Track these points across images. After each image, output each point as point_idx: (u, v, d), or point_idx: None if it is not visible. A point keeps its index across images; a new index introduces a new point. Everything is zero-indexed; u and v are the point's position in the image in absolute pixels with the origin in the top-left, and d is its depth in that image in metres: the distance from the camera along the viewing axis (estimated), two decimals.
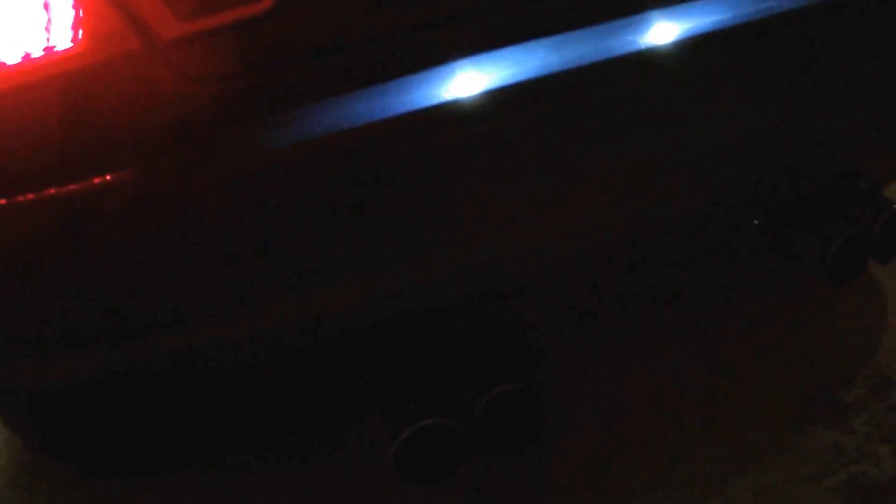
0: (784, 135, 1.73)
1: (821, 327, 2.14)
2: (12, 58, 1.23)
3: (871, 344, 2.11)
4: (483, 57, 1.44)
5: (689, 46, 1.55)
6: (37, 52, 1.23)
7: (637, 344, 2.09)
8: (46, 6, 1.23)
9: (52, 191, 1.25)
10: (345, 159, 1.37)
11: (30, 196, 1.25)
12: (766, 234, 1.96)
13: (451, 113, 1.40)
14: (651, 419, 1.94)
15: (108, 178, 1.27)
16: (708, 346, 2.09)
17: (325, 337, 1.55)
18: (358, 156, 1.38)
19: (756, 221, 1.93)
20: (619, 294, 2.05)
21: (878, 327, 2.15)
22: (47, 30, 1.24)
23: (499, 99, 1.42)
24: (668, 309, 2.17)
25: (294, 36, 1.36)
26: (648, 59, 1.52)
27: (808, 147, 1.80)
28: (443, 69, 1.41)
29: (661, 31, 1.54)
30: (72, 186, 1.26)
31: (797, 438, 1.90)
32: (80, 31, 1.24)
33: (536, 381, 1.66)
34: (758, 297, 2.20)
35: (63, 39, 1.24)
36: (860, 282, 2.21)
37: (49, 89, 1.24)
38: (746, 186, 1.78)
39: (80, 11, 1.24)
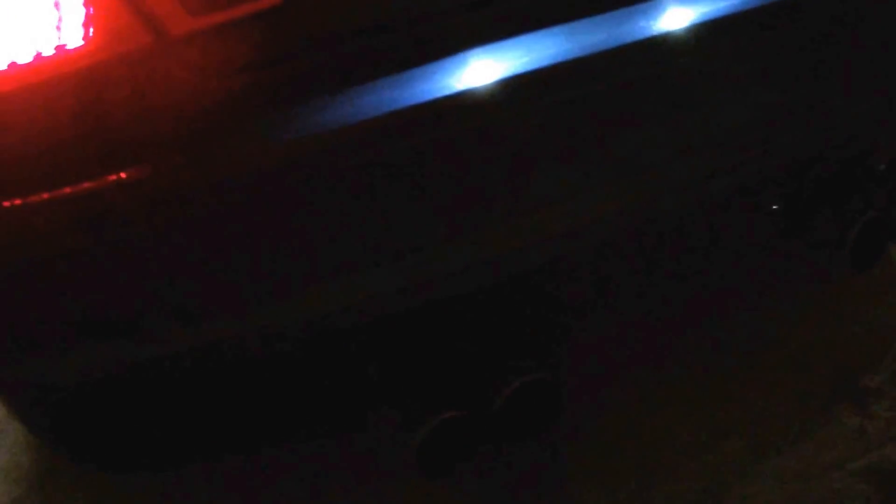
0: (802, 116, 1.72)
1: (841, 313, 2.13)
2: (24, 57, 1.22)
3: (892, 328, 2.09)
4: (497, 46, 1.43)
5: (703, 30, 1.54)
6: (48, 51, 1.23)
7: (655, 332, 2.08)
8: (57, 5, 1.23)
9: (68, 189, 1.25)
10: (360, 151, 1.37)
11: (44, 195, 1.25)
12: (786, 219, 1.95)
13: (467, 103, 1.39)
14: (672, 407, 1.93)
15: (122, 175, 1.27)
16: (728, 334, 2.08)
17: (345, 330, 1.54)
18: (373, 147, 1.37)
19: (775, 206, 1.92)
20: (637, 283, 2.03)
21: None
22: (58, 28, 1.23)
23: (512, 87, 1.42)
24: (688, 297, 2.15)
25: (304, 28, 1.35)
26: (664, 44, 1.51)
27: (828, 128, 1.78)
28: (457, 58, 1.40)
29: (676, 16, 1.53)
30: (86, 184, 1.26)
31: (820, 424, 1.89)
32: (91, 29, 1.23)
33: (555, 370, 1.65)
34: (777, 283, 2.19)
35: (74, 37, 1.23)
36: (880, 266, 2.19)
37: (61, 88, 1.24)
38: (765, 170, 1.77)
39: (91, 9, 1.23)
